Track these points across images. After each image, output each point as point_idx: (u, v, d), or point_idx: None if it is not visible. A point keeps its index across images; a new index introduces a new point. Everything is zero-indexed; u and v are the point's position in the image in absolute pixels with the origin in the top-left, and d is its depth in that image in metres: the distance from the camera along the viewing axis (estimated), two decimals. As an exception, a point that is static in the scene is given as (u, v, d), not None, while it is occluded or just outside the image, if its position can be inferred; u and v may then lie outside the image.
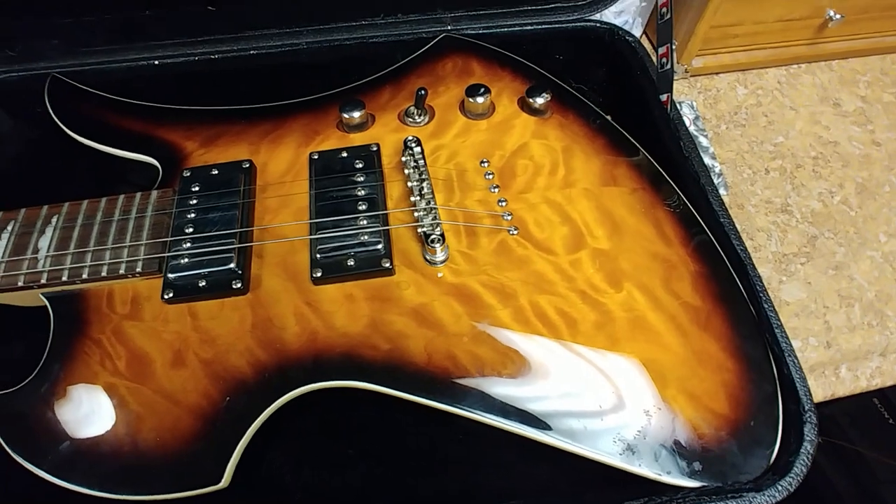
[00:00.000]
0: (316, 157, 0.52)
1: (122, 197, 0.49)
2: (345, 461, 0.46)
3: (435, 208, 0.47)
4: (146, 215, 0.48)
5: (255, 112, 0.56)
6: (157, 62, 0.61)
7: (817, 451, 0.39)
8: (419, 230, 0.46)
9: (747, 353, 0.42)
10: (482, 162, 0.51)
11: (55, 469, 0.40)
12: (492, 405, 0.41)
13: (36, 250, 0.47)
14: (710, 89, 0.72)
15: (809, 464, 0.38)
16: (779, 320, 0.44)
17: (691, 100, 0.70)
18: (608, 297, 0.44)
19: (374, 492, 0.45)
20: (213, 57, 0.61)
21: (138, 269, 0.46)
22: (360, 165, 0.50)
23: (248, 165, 0.51)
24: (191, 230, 0.47)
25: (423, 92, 0.52)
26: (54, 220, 0.48)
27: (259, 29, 0.62)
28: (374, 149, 0.52)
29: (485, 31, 0.63)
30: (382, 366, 0.42)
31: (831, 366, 0.54)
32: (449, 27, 0.63)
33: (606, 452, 0.39)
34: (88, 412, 0.41)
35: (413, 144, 0.50)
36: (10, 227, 0.48)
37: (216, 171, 0.51)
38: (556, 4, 0.64)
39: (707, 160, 0.63)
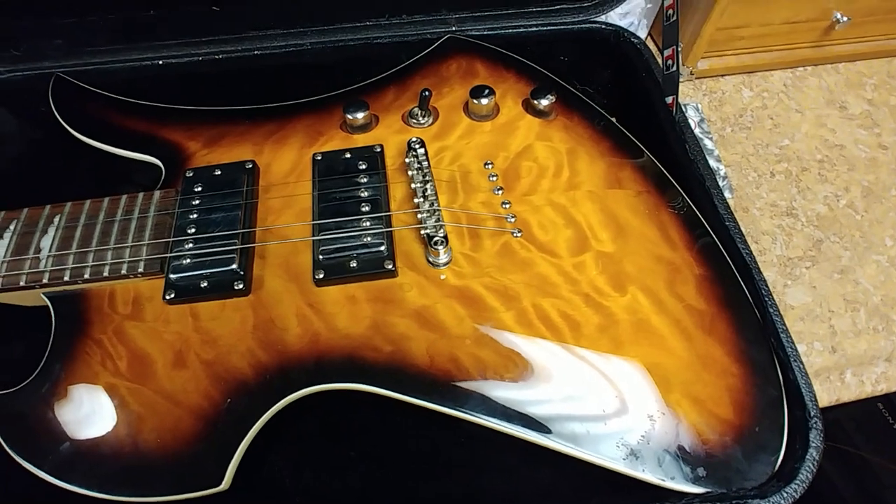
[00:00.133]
0: (319, 157, 0.51)
1: (124, 197, 0.49)
2: (346, 464, 0.46)
3: (438, 210, 0.47)
4: (148, 215, 0.48)
5: (259, 112, 0.56)
6: (160, 62, 0.61)
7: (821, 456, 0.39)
8: (422, 232, 0.46)
9: (752, 358, 0.42)
10: (486, 164, 0.51)
11: (55, 470, 0.40)
12: (494, 408, 0.41)
13: (38, 250, 0.46)
14: (716, 91, 0.72)
15: (815, 470, 0.38)
16: (784, 325, 0.43)
17: (696, 102, 0.70)
18: (612, 300, 0.44)
19: (375, 495, 0.45)
20: (216, 57, 0.61)
21: (140, 270, 0.45)
22: (364, 167, 0.50)
23: (251, 166, 0.51)
24: (193, 231, 0.47)
25: (427, 93, 0.52)
26: (56, 219, 0.48)
27: (263, 29, 0.62)
28: (378, 150, 0.52)
29: (489, 33, 0.63)
30: (384, 368, 0.42)
31: (836, 371, 0.54)
32: (453, 28, 0.63)
33: (610, 457, 0.39)
34: (89, 413, 0.41)
35: (417, 146, 0.50)
36: (12, 227, 0.48)
37: (219, 172, 0.51)
38: (561, 6, 0.64)
39: (712, 163, 0.63)
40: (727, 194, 0.62)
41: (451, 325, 0.43)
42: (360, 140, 0.53)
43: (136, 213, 0.48)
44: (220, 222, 0.47)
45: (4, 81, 0.60)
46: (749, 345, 0.42)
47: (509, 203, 0.49)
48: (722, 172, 0.63)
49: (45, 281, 0.45)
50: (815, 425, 0.40)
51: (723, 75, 0.73)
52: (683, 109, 0.62)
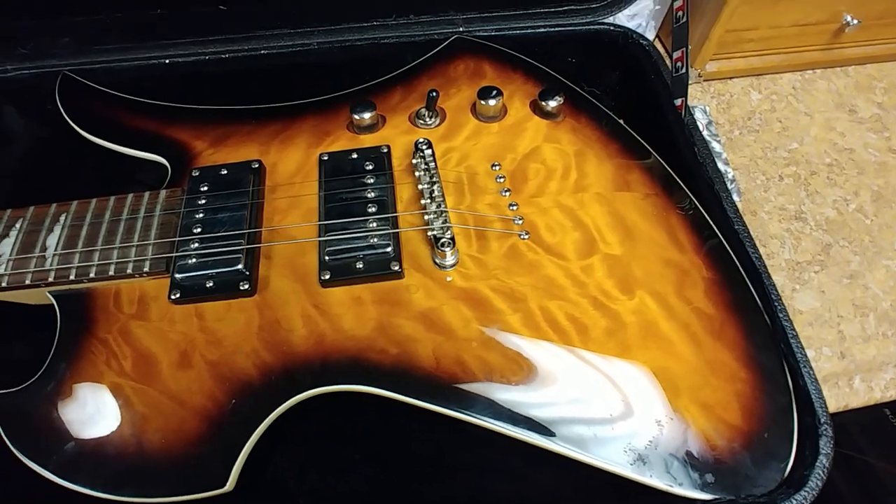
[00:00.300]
0: (326, 158, 0.51)
1: (130, 196, 0.49)
2: (350, 466, 0.45)
3: (445, 211, 0.46)
4: (154, 215, 0.48)
5: (265, 112, 0.56)
6: (167, 61, 0.61)
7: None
8: (429, 233, 0.46)
9: (761, 364, 0.41)
10: (493, 165, 0.51)
11: (60, 469, 0.40)
12: (500, 412, 0.40)
13: (44, 248, 0.46)
14: (724, 94, 0.71)
15: (825, 478, 0.37)
16: (794, 330, 0.43)
17: (704, 104, 0.70)
18: (620, 303, 0.44)
19: (380, 497, 0.44)
20: (223, 56, 0.61)
21: (146, 269, 0.45)
22: (371, 167, 0.50)
23: (257, 166, 0.51)
24: (199, 230, 0.47)
25: (434, 94, 0.52)
26: (63, 218, 0.48)
27: (270, 29, 0.62)
28: (385, 150, 0.51)
29: (497, 33, 0.63)
30: (390, 370, 0.42)
31: (845, 376, 0.53)
32: (461, 29, 0.63)
33: (617, 462, 0.39)
34: (94, 412, 0.41)
35: (424, 147, 0.50)
36: (18, 225, 0.48)
37: (225, 171, 0.50)
38: (570, 7, 0.64)
39: (720, 166, 0.62)
40: (735, 197, 0.61)
41: (458, 327, 0.43)
42: (367, 140, 0.53)
43: (142, 213, 0.48)
44: (225, 222, 0.47)
45: (11, 79, 0.60)
46: (758, 350, 0.42)
47: (517, 205, 0.48)
48: (730, 175, 0.63)
49: (50, 279, 0.45)
50: (824, 432, 0.39)
51: (731, 78, 0.72)
52: (691, 112, 0.61)
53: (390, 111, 0.55)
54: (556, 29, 0.63)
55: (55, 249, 0.46)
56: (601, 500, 0.42)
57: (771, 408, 0.40)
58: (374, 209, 0.47)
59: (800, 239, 0.60)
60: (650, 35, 0.71)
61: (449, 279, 0.45)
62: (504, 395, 0.41)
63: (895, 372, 0.54)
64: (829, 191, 0.63)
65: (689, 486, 0.38)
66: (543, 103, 0.53)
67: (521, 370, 0.41)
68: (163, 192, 0.49)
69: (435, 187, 0.48)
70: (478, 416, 0.40)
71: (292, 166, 0.52)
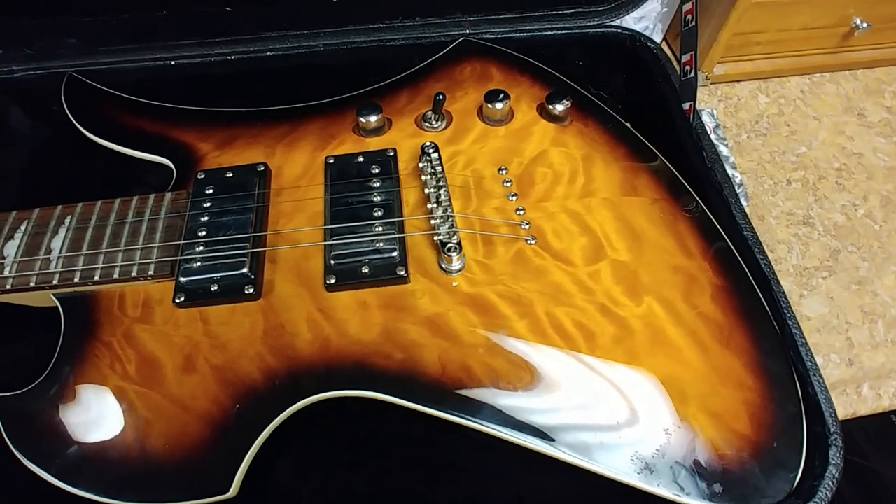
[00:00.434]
0: (332, 161, 0.51)
1: (135, 198, 0.49)
2: (354, 470, 0.45)
3: (452, 216, 0.46)
4: (159, 217, 0.48)
5: (271, 114, 0.56)
6: (173, 62, 0.61)
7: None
8: (435, 238, 0.45)
9: (770, 372, 0.41)
10: (500, 169, 0.51)
11: (62, 473, 0.39)
12: (505, 419, 0.40)
13: (48, 251, 0.46)
14: (731, 97, 0.71)
15: (835, 489, 0.37)
16: (803, 338, 0.43)
17: (711, 108, 0.69)
18: (627, 310, 0.43)
19: (383, 502, 0.44)
20: (229, 58, 0.61)
21: (150, 272, 0.45)
22: (377, 171, 0.50)
23: (262, 168, 0.51)
24: (204, 233, 0.46)
25: (441, 97, 0.52)
26: (67, 220, 0.48)
27: (276, 30, 0.61)
28: (391, 154, 0.51)
29: (504, 36, 0.62)
30: (395, 376, 0.41)
31: (853, 384, 0.53)
32: (467, 31, 0.62)
33: (624, 471, 0.38)
34: (97, 416, 0.41)
35: (430, 150, 0.50)
36: (23, 227, 0.48)
37: (231, 174, 0.50)
38: (577, 9, 0.63)
39: (727, 170, 0.62)
40: (743, 202, 0.61)
41: (464, 332, 0.43)
42: (373, 143, 0.53)
43: (147, 215, 0.48)
44: (231, 225, 0.47)
45: (17, 80, 0.60)
46: (767, 358, 0.42)
47: (523, 209, 0.48)
48: (737, 180, 0.62)
49: (55, 282, 0.45)
50: (834, 442, 0.39)
51: (738, 81, 0.72)
52: (699, 115, 0.61)
53: (396, 114, 0.55)
54: (564, 32, 0.63)
55: (60, 252, 0.46)
56: (606, 508, 0.42)
57: (780, 417, 0.39)
58: (379, 213, 0.47)
59: (808, 244, 0.60)
60: (657, 38, 0.71)
61: (455, 284, 0.45)
62: (510, 401, 0.40)
63: (904, 379, 0.53)
64: (838, 196, 0.63)
65: (698, 496, 0.37)
66: (550, 107, 0.53)
67: (527, 377, 0.41)
68: (168, 195, 0.49)
69: (441, 191, 0.47)
70: (483, 422, 0.40)
71: (298, 169, 0.52)
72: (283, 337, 0.43)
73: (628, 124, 0.55)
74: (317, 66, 0.63)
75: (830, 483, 0.37)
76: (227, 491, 0.39)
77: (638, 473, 0.38)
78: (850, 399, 0.52)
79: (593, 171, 0.50)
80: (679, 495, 0.37)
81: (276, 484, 0.44)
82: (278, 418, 0.41)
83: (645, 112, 0.62)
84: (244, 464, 0.40)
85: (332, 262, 0.45)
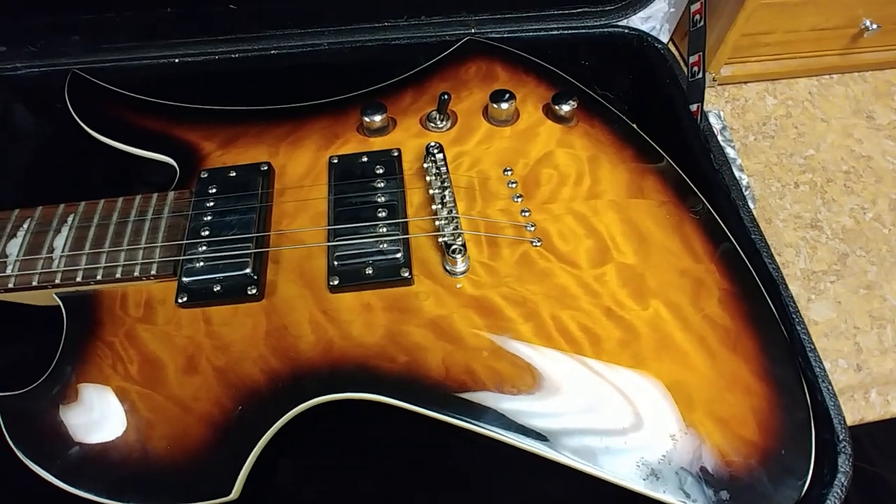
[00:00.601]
0: (336, 161, 0.50)
1: (138, 197, 0.49)
2: (356, 474, 0.45)
3: (456, 217, 0.46)
4: (162, 217, 0.48)
5: (275, 113, 0.55)
6: (177, 60, 0.60)
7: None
8: (440, 240, 0.45)
9: (778, 378, 0.41)
10: (505, 170, 0.50)
11: (63, 473, 0.39)
12: (510, 423, 0.40)
13: (51, 249, 0.46)
14: (738, 99, 0.70)
15: (844, 497, 0.36)
16: (812, 343, 0.42)
17: (718, 109, 0.69)
18: (634, 313, 0.43)
19: (386, 506, 0.44)
20: (233, 56, 0.61)
21: (153, 272, 0.45)
22: (381, 171, 0.49)
23: (266, 168, 0.50)
24: (207, 233, 0.46)
25: (445, 96, 0.51)
26: (70, 219, 0.48)
27: (280, 29, 0.61)
28: (395, 154, 0.51)
29: (509, 35, 0.62)
30: (399, 378, 0.41)
31: (861, 389, 0.52)
32: (473, 30, 0.62)
33: (629, 477, 0.38)
34: (99, 417, 0.41)
35: (435, 151, 0.49)
36: (25, 226, 0.47)
37: (234, 173, 0.50)
38: (584, 9, 0.63)
39: (734, 172, 0.61)
40: (750, 205, 0.60)
41: (468, 335, 0.42)
42: (377, 143, 0.53)
43: (150, 214, 0.48)
44: (234, 225, 0.47)
45: (21, 77, 0.60)
46: (775, 363, 0.41)
47: (529, 211, 0.48)
48: (744, 182, 0.62)
49: (57, 281, 0.45)
50: (843, 449, 0.38)
51: (746, 82, 0.71)
52: (706, 117, 0.61)
53: (401, 114, 0.54)
54: (570, 31, 0.63)
55: (62, 251, 0.46)
56: (611, 514, 0.42)
57: (788, 423, 0.39)
58: (384, 214, 0.47)
59: (815, 248, 0.59)
60: (664, 38, 0.70)
61: (459, 286, 0.44)
62: (514, 405, 0.40)
63: (912, 385, 0.53)
64: (846, 199, 0.62)
65: (704, 503, 0.37)
66: (557, 107, 0.52)
67: (531, 380, 0.41)
68: (171, 194, 0.49)
69: (446, 192, 0.47)
70: (487, 426, 0.40)
71: (301, 169, 0.51)
72: (286, 338, 0.43)
73: (635, 125, 0.54)
74: (321, 64, 0.62)
75: (839, 491, 0.37)
76: (229, 493, 0.39)
77: (643, 479, 0.38)
78: (857, 405, 0.52)
79: (599, 172, 0.50)
80: (685, 502, 0.37)
81: (277, 487, 0.44)
82: (281, 420, 0.40)
83: (652, 113, 0.61)
84: (246, 466, 0.39)
85: (336, 262, 0.45)
